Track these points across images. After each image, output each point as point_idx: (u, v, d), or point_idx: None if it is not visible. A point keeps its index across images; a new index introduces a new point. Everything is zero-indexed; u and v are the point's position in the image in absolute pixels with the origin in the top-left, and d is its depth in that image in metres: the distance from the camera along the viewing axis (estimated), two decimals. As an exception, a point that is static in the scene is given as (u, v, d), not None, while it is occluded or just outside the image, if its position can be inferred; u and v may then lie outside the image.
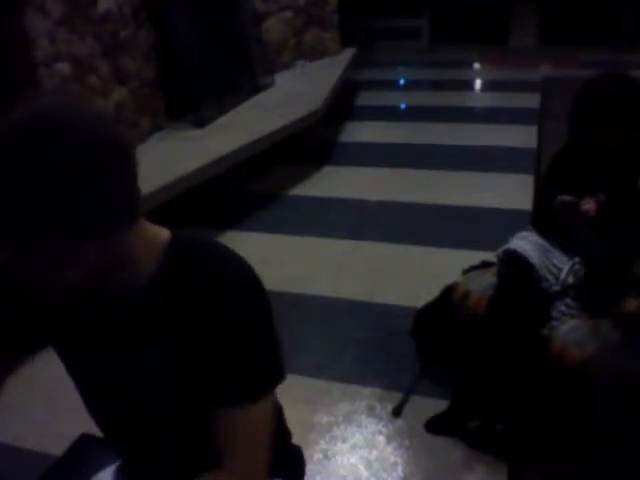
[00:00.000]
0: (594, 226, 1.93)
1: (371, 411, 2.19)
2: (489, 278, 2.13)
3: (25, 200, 0.74)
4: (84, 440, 1.33)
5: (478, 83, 6.24)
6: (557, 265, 2.00)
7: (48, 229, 0.76)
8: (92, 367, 1.00)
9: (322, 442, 2.06)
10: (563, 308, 1.95)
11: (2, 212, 0.76)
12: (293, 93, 4.40)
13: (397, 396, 2.22)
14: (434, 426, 2.08)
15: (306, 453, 1.29)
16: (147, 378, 0.94)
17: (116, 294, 0.90)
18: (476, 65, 6.56)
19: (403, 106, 5.61)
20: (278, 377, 0.96)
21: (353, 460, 2.01)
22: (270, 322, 0.94)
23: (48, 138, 0.74)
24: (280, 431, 1.16)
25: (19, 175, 0.73)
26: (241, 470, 0.94)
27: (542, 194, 2.29)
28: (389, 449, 2.04)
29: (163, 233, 0.94)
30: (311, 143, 4.37)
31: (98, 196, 0.77)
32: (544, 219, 2.14)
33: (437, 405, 2.12)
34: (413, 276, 2.94)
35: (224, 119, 4.02)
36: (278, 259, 3.16)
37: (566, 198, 1.93)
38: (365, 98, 5.63)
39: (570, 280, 1.97)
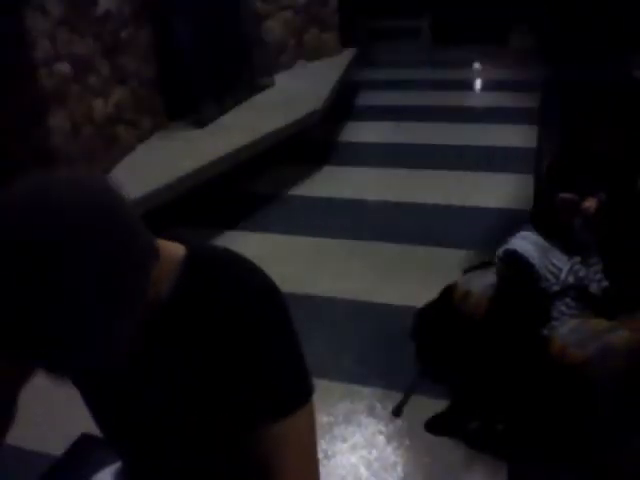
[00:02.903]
0: (593, 225, 1.93)
1: (371, 411, 2.19)
2: (489, 278, 2.13)
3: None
4: (84, 440, 1.33)
5: (478, 83, 6.24)
6: (557, 265, 2.00)
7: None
8: (107, 383, 0.98)
9: (322, 442, 2.06)
10: (563, 308, 1.95)
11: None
12: (293, 93, 4.40)
13: (397, 396, 2.22)
14: (434, 426, 2.08)
15: (306, 453, 1.29)
16: (166, 394, 0.93)
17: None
18: (476, 65, 6.56)
19: (403, 106, 5.60)
20: (310, 385, 0.95)
21: (353, 460, 2.01)
22: (293, 331, 0.93)
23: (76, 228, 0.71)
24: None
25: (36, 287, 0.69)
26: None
27: (542, 193, 2.29)
28: (389, 449, 2.04)
29: (178, 250, 0.91)
30: (311, 143, 4.37)
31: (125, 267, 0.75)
32: (543, 218, 2.15)
33: (437, 405, 2.12)
34: (413, 276, 2.94)
35: (224, 119, 4.02)
36: (278, 259, 3.15)
37: (567, 195, 1.93)
38: (365, 98, 5.63)
39: (570, 280, 1.97)
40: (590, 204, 1.88)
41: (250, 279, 0.91)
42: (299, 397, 0.93)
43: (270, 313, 0.90)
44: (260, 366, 0.88)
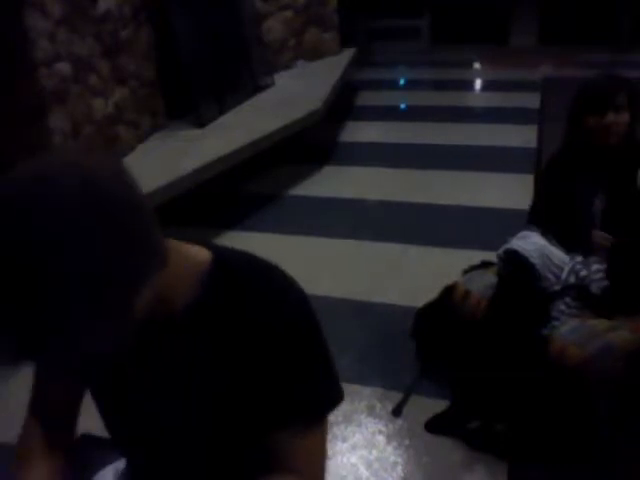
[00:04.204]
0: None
1: (371, 411, 2.19)
2: (489, 278, 2.13)
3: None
4: (84, 440, 1.32)
5: (478, 83, 6.23)
6: (557, 265, 2.00)
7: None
8: (127, 392, 0.97)
9: (322, 442, 2.06)
10: (563, 308, 1.95)
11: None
12: (293, 93, 4.40)
13: (397, 396, 2.22)
14: (434, 426, 2.08)
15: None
16: (190, 398, 0.92)
17: (155, 325, 0.85)
18: (476, 65, 6.56)
19: (403, 106, 5.61)
20: (339, 392, 0.94)
21: (353, 460, 2.01)
22: (322, 335, 0.92)
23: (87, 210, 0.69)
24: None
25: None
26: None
27: (541, 193, 2.29)
28: (389, 449, 2.04)
29: (202, 253, 0.90)
30: (311, 143, 4.37)
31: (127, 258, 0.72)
32: (543, 218, 2.15)
33: (437, 405, 2.12)
34: (413, 276, 2.94)
35: (224, 119, 4.02)
36: (278, 259, 3.14)
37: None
38: (365, 98, 5.63)
39: (571, 280, 1.97)
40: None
41: (279, 285, 0.91)
42: (331, 403, 0.93)
43: (301, 320, 0.90)
44: (292, 374, 0.88)
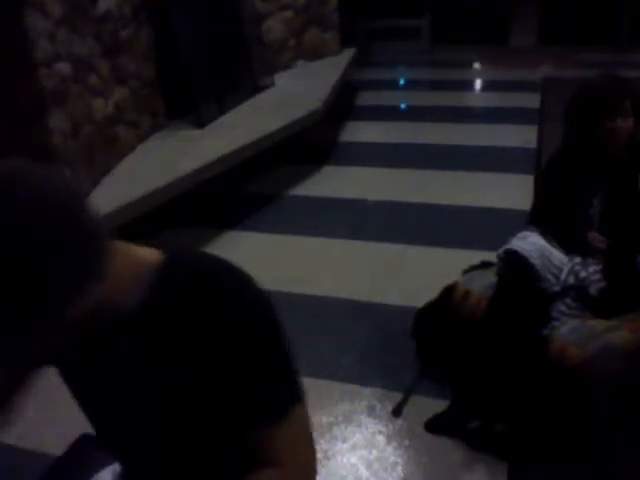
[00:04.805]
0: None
1: (371, 411, 2.19)
2: (489, 278, 2.13)
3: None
4: (84, 440, 1.33)
5: (478, 83, 6.23)
6: (557, 265, 2.00)
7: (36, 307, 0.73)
8: (91, 392, 0.98)
9: (322, 442, 2.06)
10: (563, 308, 1.95)
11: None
12: (293, 93, 4.40)
13: (397, 396, 2.22)
14: (434, 426, 2.08)
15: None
16: (145, 407, 0.92)
17: (103, 327, 0.85)
18: (476, 65, 6.56)
19: (403, 106, 5.61)
20: (299, 387, 0.94)
21: (353, 460, 2.01)
22: (282, 333, 0.92)
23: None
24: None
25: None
26: (292, 470, 0.93)
27: (541, 193, 2.29)
28: (389, 449, 2.04)
29: (151, 255, 0.90)
30: (311, 143, 4.37)
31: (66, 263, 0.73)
32: (543, 218, 2.15)
33: (437, 405, 2.12)
34: (413, 276, 2.94)
35: (224, 119, 4.02)
36: (278, 259, 3.16)
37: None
38: (365, 98, 5.63)
39: (570, 280, 1.97)
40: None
41: (230, 283, 0.90)
42: (290, 401, 0.93)
43: (258, 317, 0.89)
44: (248, 374, 0.88)
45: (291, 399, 0.93)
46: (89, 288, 0.76)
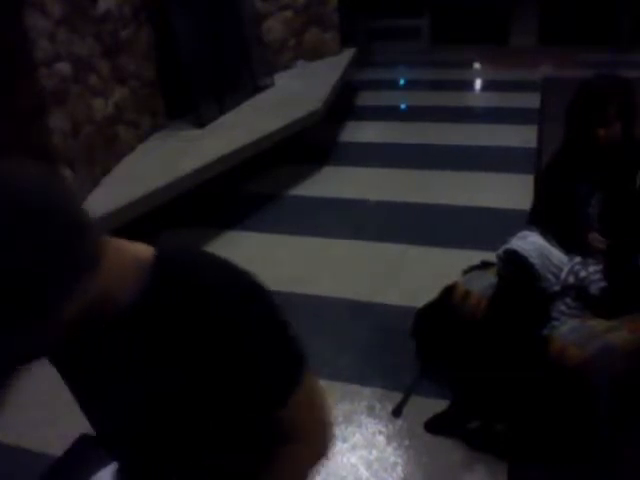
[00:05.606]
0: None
1: (371, 411, 2.19)
2: (489, 278, 2.14)
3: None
4: (84, 440, 1.33)
5: (478, 83, 6.23)
6: (557, 265, 2.00)
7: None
8: (87, 390, 0.98)
9: (322, 442, 2.06)
10: (563, 308, 1.95)
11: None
12: (293, 93, 4.40)
13: (397, 396, 2.22)
14: (434, 426, 2.08)
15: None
16: (141, 403, 0.92)
17: (96, 325, 0.85)
18: (476, 65, 6.56)
19: (403, 106, 5.61)
20: (300, 369, 0.95)
21: (353, 460, 2.01)
22: (275, 321, 0.93)
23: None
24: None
25: None
26: (309, 442, 0.98)
27: (541, 193, 2.29)
28: (389, 449, 2.04)
29: (144, 252, 0.89)
30: (311, 143, 4.37)
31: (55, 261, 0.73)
32: (543, 218, 2.15)
33: (437, 405, 2.12)
34: (413, 276, 2.94)
35: (224, 119, 4.02)
36: (278, 259, 3.16)
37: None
38: (365, 98, 5.63)
39: (570, 280, 1.97)
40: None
41: (222, 277, 0.90)
42: (299, 372, 0.94)
43: (245, 311, 0.89)
44: (246, 365, 0.88)
45: (298, 370, 0.94)
46: (82, 285, 0.76)
